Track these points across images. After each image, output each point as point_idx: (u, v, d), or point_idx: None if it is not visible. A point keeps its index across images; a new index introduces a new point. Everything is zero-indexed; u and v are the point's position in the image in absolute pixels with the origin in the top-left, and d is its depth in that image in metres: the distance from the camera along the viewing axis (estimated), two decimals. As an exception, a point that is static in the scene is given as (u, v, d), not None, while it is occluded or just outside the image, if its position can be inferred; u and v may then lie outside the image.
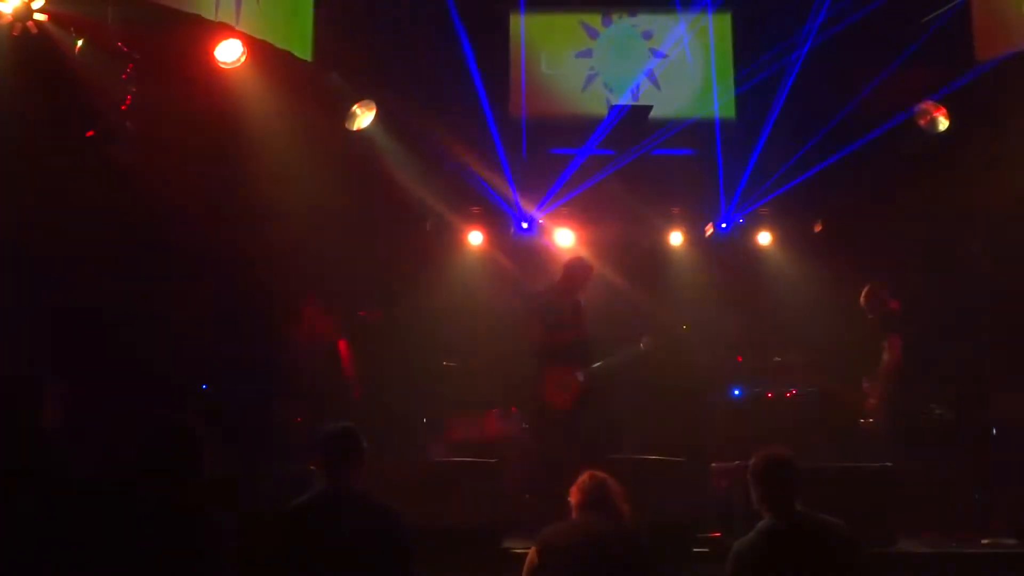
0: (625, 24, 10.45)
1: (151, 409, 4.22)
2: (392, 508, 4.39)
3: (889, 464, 6.62)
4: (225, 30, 7.48)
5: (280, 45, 8.07)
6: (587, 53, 10.36)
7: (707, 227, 10.72)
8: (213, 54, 7.46)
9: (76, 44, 6.55)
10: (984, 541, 6.56)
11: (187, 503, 3.90)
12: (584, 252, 10.49)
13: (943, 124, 8.99)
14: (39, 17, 6.24)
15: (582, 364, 7.75)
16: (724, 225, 10.58)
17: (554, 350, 7.65)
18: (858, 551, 4.36)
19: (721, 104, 10.45)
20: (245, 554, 4.60)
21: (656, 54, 10.43)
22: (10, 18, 6.16)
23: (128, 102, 6.85)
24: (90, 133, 6.82)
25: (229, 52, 7.49)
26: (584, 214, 10.62)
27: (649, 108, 10.18)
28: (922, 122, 9.05)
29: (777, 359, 9.38)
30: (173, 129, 7.46)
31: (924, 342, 8.03)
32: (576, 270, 8.11)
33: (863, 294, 8.10)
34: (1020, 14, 8.57)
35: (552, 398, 7.60)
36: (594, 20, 10.41)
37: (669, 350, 8.74)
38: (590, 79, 10.35)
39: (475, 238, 10.74)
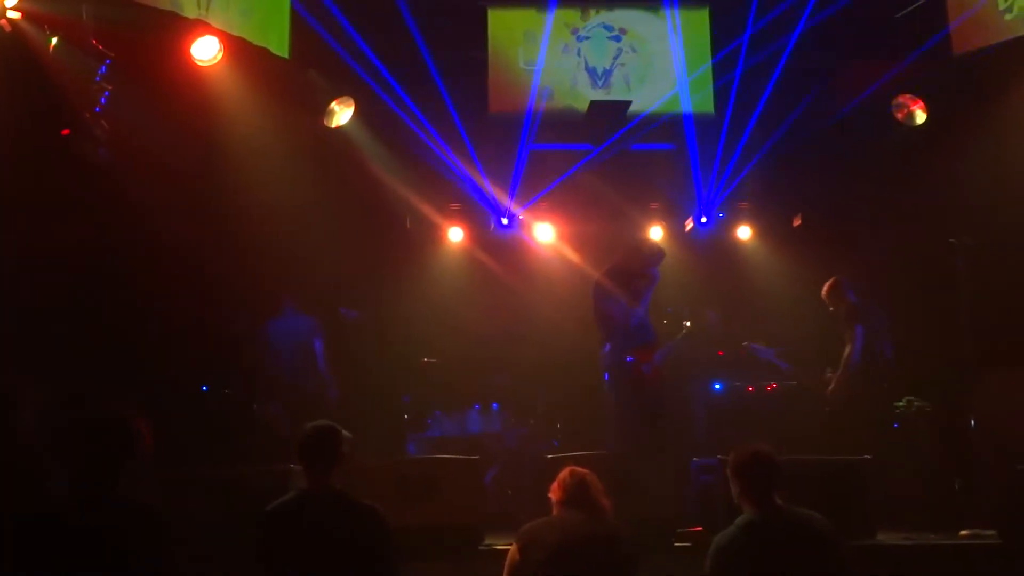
0: (603, 19, 10.44)
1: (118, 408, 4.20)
2: (373, 506, 4.38)
3: (868, 456, 6.65)
4: (201, 27, 7.44)
5: (257, 42, 8.02)
6: (565, 48, 10.35)
7: (687, 222, 10.75)
8: (190, 52, 7.42)
9: (50, 42, 6.50)
10: (963, 533, 6.61)
11: (121, 497, 3.91)
12: (564, 247, 10.52)
13: (920, 117, 9.03)
14: (13, 15, 6.20)
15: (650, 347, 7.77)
16: (704, 219, 10.60)
17: (630, 330, 7.63)
18: (837, 544, 4.38)
19: (699, 99, 10.45)
20: (227, 553, 4.61)
21: (634, 49, 10.43)
22: (-17, 17, 6.12)
23: (103, 101, 6.80)
24: (65, 132, 6.76)
25: (206, 49, 7.45)
26: (564, 209, 10.62)
27: (628, 103, 10.18)
28: (899, 115, 9.10)
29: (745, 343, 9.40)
30: (149, 127, 7.41)
31: (902, 334, 8.08)
32: (653, 254, 8.06)
33: (825, 288, 8.13)
34: (994, 7, 8.61)
35: (641, 375, 7.57)
36: (572, 15, 10.39)
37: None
38: (568, 74, 10.34)
39: (455, 234, 10.72)
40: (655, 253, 8.08)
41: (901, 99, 9.09)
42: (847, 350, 7.88)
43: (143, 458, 4.15)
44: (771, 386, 9.26)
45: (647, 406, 7.53)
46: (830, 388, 8.01)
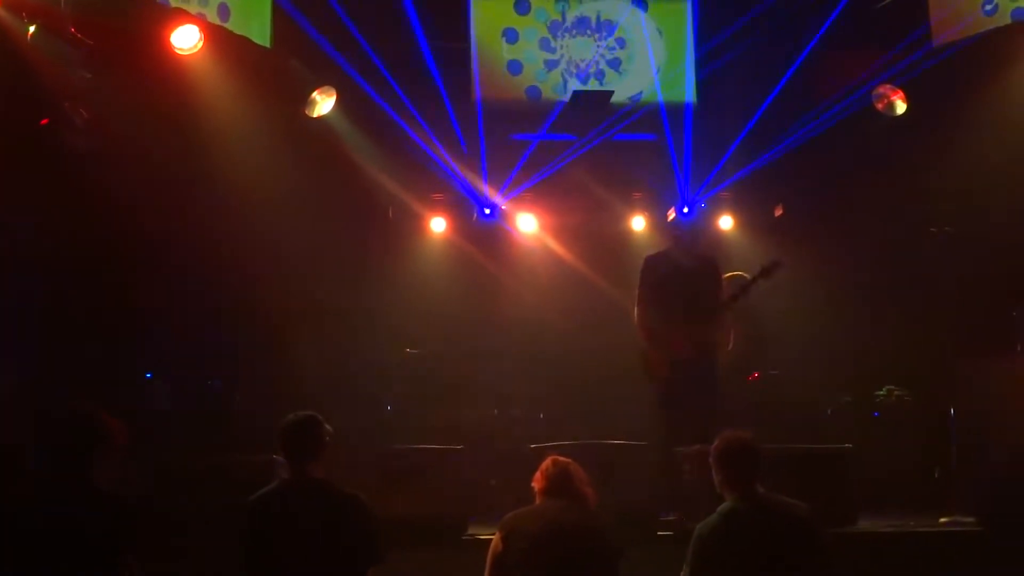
0: (585, 9, 10.43)
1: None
2: (356, 496, 4.37)
3: (849, 445, 6.69)
4: (182, 15, 7.38)
5: (238, 31, 7.97)
6: (548, 38, 10.33)
7: (669, 212, 10.76)
8: (169, 40, 7.35)
9: (28, 30, 6.43)
10: (943, 520, 6.66)
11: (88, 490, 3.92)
12: (547, 237, 10.52)
13: (901, 107, 9.06)
14: (-11, 3, 6.14)
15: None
16: (686, 209, 10.61)
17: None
18: (818, 532, 4.40)
19: (681, 88, 10.46)
20: (211, 543, 4.60)
21: (616, 39, 10.42)
22: (-41, 4, 6.05)
23: (82, 89, 6.75)
24: (44, 121, 6.71)
25: (186, 38, 7.39)
26: (546, 200, 10.62)
27: (610, 93, 10.18)
28: (880, 105, 9.12)
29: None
30: (128, 116, 7.35)
31: (883, 323, 8.12)
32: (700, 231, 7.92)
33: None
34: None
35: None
36: (555, 6, 10.38)
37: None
38: (551, 64, 10.32)
39: (437, 225, 10.71)
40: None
41: (881, 89, 9.11)
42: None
43: (114, 450, 4.16)
44: (753, 375, 9.29)
45: None
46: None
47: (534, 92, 10.27)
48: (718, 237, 10.69)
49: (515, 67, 10.25)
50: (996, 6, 8.50)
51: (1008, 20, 8.43)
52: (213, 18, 7.75)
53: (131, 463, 4.66)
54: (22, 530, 3.89)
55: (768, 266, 7.15)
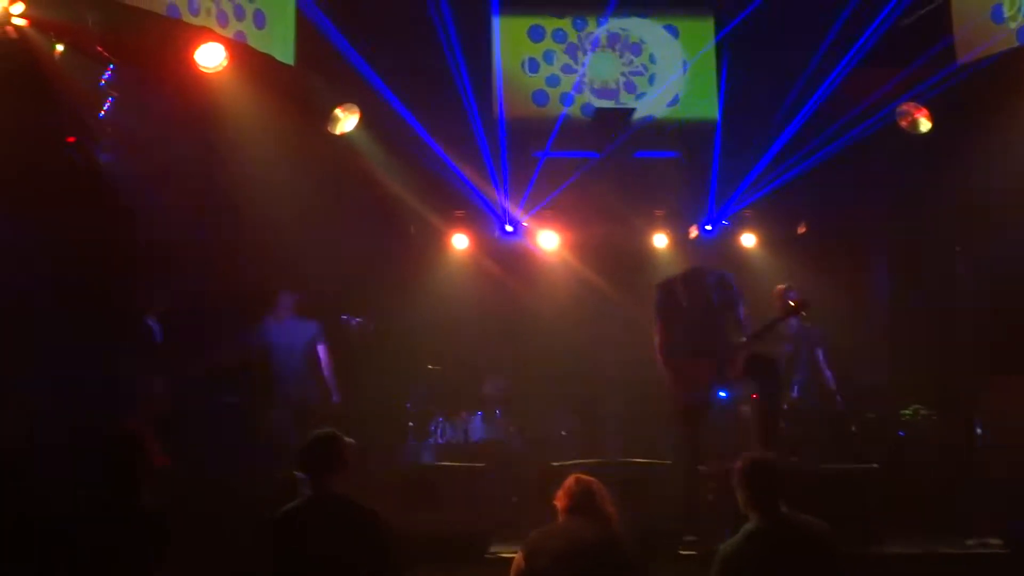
0: (609, 27, 10.45)
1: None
2: (376, 513, 4.38)
3: (874, 465, 6.64)
4: (207, 34, 7.45)
5: (262, 48, 8.03)
6: (571, 56, 10.36)
7: (691, 229, 10.74)
8: (194, 58, 7.43)
9: (56, 49, 6.51)
10: (969, 542, 6.58)
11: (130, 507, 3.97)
12: (569, 255, 10.52)
13: (925, 125, 9.02)
14: (19, 22, 6.21)
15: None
16: (708, 227, 10.59)
17: None
18: (842, 552, 4.37)
19: (704, 105, 10.46)
20: (233, 559, 4.63)
21: (639, 57, 10.43)
22: (-10, 23, 6.13)
23: (108, 107, 6.81)
24: (71, 139, 6.77)
25: (211, 56, 7.46)
26: (568, 217, 10.63)
27: (632, 111, 10.19)
28: (904, 123, 9.09)
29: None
30: (154, 133, 7.42)
31: (908, 342, 8.07)
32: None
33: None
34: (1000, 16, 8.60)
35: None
36: (577, 23, 10.40)
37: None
38: (574, 83, 10.35)
39: (459, 241, 10.73)
40: None
41: (906, 107, 9.08)
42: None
43: (152, 469, 4.22)
44: (753, 396, 9.20)
45: None
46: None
47: (556, 109, 10.28)
48: (741, 254, 10.67)
49: (538, 84, 10.28)
50: (1021, 24, 8.46)
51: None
52: (250, 28, 7.79)
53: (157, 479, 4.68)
54: (70, 547, 3.93)
55: (796, 305, 7.11)
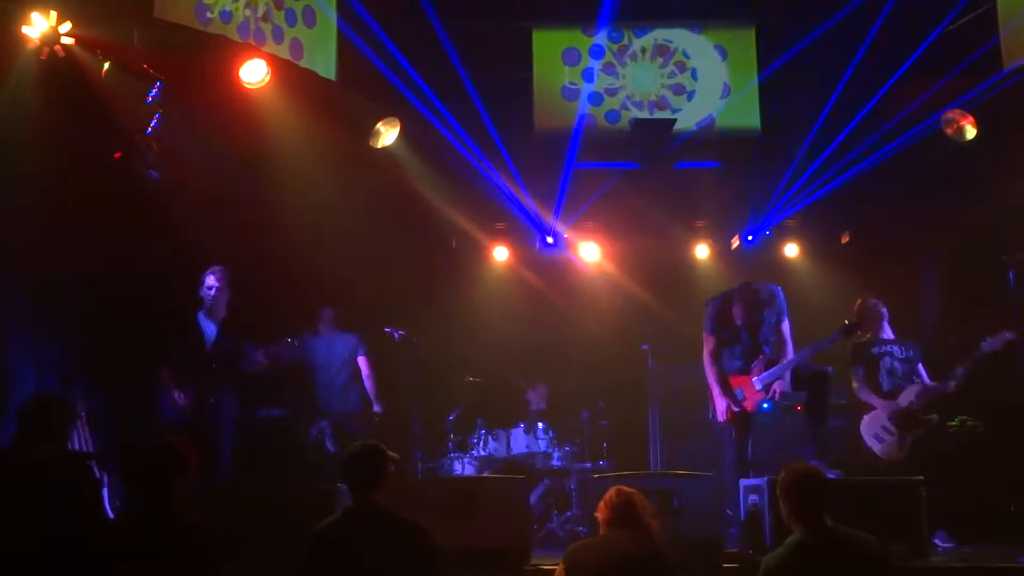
0: (649, 38, 10.43)
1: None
2: (419, 525, 4.39)
3: (921, 477, 6.54)
4: (250, 50, 7.55)
5: (305, 65, 8.12)
6: (610, 68, 10.35)
7: (733, 239, 10.68)
8: (238, 75, 7.53)
9: (103, 67, 6.63)
10: (1020, 557, 6.46)
11: None
12: (610, 266, 10.50)
13: (970, 132, 8.91)
14: (66, 41, 6.34)
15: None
16: (750, 237, 10.53)
17: None
18: (888, 565, 4.32)
19: (746, 115, 10.40)
20: (275, 571, 4.65)
21: (680, 67, 10.40)
22: (38, 42, 6.26)
23: (154, 123, 6.93)
24: (118, 155, 6.89)
25: (254, 72, 7.57)
26: (609, 228, 10.62)
27: (672, 121, 10.15)
28: (949, 131, 8.98)
29: None
30: (199, 149, 7.53)
31: (954, 352, 7.94)
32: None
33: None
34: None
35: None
36: (616, 33, 10.39)
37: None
38: (613, 93, 10.33)
39: (500, 254, 10.75)
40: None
41: (951, 114, 8.97)
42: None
43: (191, 480, 4.25)
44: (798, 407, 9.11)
45: None
46: None
47: (597, 120, 10.27)
48: (783, 264, 10.59)
49: (577, 96, 10.27)
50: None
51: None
52: (286, 55, 7.91)
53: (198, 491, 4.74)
54: (111, 560, 3.98)
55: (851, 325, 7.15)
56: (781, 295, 7.47)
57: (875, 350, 7.62)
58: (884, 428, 7.37)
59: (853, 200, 10.04)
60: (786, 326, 7.42)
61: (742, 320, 7.29)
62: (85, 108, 6.72)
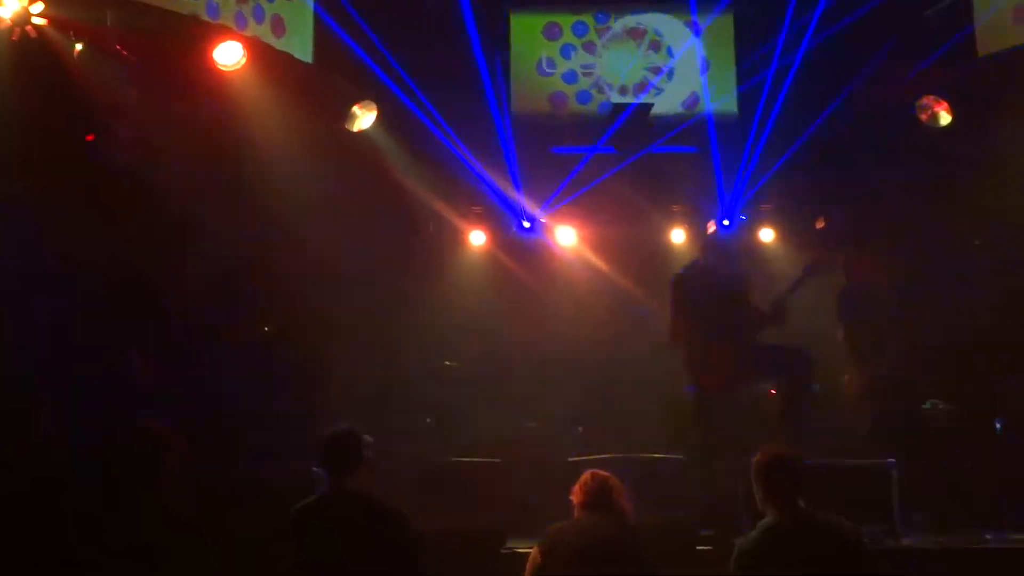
0: (627, 22, 10.44)
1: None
2: (397, 509, 4.40)
3: (892, 460, 6.60)
4: (225, 32, 7.49)
5: (281, 46, 8.07)
6: (588, 52, 10.35)
7: (709, 224, 10.71)
8: (213, 57, 7.47)
9: (75, 48, 6.56)
10: (988, 536, 6.55)
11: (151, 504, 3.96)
12: (586, 251, 10.51)
13: (945, 119, 8.97)
14: (38, 21, 6.26)
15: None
16: (726, 222, 10.56)
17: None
18: (861, 547, 4.35)
19: (722, 101, 10.43)
20: (251, 553, 4.65)
21: (657, 52, 10.42)
22: (9, 23, 6.18)
23: (128, 105, 6.86)
24: (90, 137, 6.82)
25: (229, 54, 7.50)
26: (586, 213, 10.62)
27: (649, 106, 10.17)
28: (924, 117, 9.04)
29: None
30: (173, 132, 7.46)
31: (927, 336, 8.02)
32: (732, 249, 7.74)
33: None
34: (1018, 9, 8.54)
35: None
36: (595, 19, 10.39)
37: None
38: (591, 78, 10.34)
39: (477, 238, 10.74)
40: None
41: (925, 100, 9.02)
42: None
43: (179, 469, 4.19)
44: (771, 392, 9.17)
45: None
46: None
47: (574, 105, 10.27)
48: (759, 249, 10.64)
49: (554, 80, 10.27)
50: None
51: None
52: (267, 34, 7.84)
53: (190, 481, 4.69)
54: (91, 549, 3.94)
55: (815, 262, 7.10)
56: (749, 281, 7.43)
57: None
58: None
59: (828, 186, 10.09)
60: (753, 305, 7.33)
61: (703, 294, 7.12)
62: (57, 90, 6.64)
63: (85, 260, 7.16)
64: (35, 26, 6.25)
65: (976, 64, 8.73)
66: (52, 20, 6.35)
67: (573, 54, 10.29)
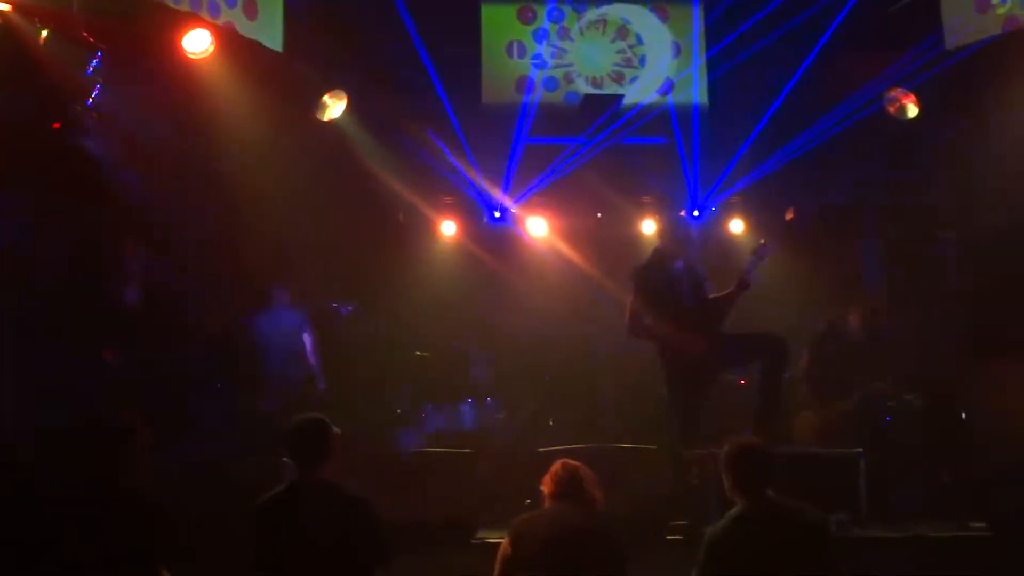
0: (596, 13, 10.43)
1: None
2: (364, 499, 4.38)
3: (859, 449, 6.67)
4: (193, 20, 7.41)
5: (250, 35, 8.00)
6: (558, 42, 10.34)
7: (661, 214, 10.72)
8: (181, 44, 7.39)
9: (41, 34, 6.47)
10: (953, 524, 6.63)
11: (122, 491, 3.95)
12: (557, 241, 10.52)
13: (912, 111, 9.04)
14: (3, 7, 6.17)
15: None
16: (696, 213, 10.60)
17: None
18: (828, 536, 4.40)
19: (692, 91, 10.46)
20: (218, 544, 4.62)
21: (627, 43, 10.42)
22: (-27, 9, 6.09)
23: (94, 93, 6.78)
24: (56, 125, 6.74)
25: (197, 42, 7.43)
26: (556, 203, 10.63)
27: (620, 97, 10.18)
28: (892, 109, 9.10)
29: None
30: (140, 120, 7.39)
31: (893, 326, 8.10)
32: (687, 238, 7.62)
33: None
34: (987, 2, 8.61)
35: None
36: (565, 9, 10.38)
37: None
38: (561, 68, 10.33)
39: (448, 228, 10.72)
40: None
41: (893, 93, 9.10)
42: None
43: (143, 453, 4.19)
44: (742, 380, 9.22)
45: None
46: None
47: (544, 95, 10.26)
48: (729, 240, 10.69)
49: (524, 70, 10.26)
50: (1009, 10, 8.46)
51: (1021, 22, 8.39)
52: (240, 18, 7.76)
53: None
54: (53, 531, 3.92)
55: (759, 248, 7.12)
56: (700, 267, 7.43)
57: None
58: None
59: (797, 177, 10.15)
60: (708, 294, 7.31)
61: (664, 286, 7.11)
62: (22, 77, 6.54)
63: (51, 246, 7.08)
64: (0, 12, 6.16)
65: (944, 56, 8.80)
66: (17, 6, 6.26)
67: (544, 42, 10.28)
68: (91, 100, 6.82)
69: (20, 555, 3.92)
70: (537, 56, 10.26)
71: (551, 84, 10.31)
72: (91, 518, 3.96)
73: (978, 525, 6.48)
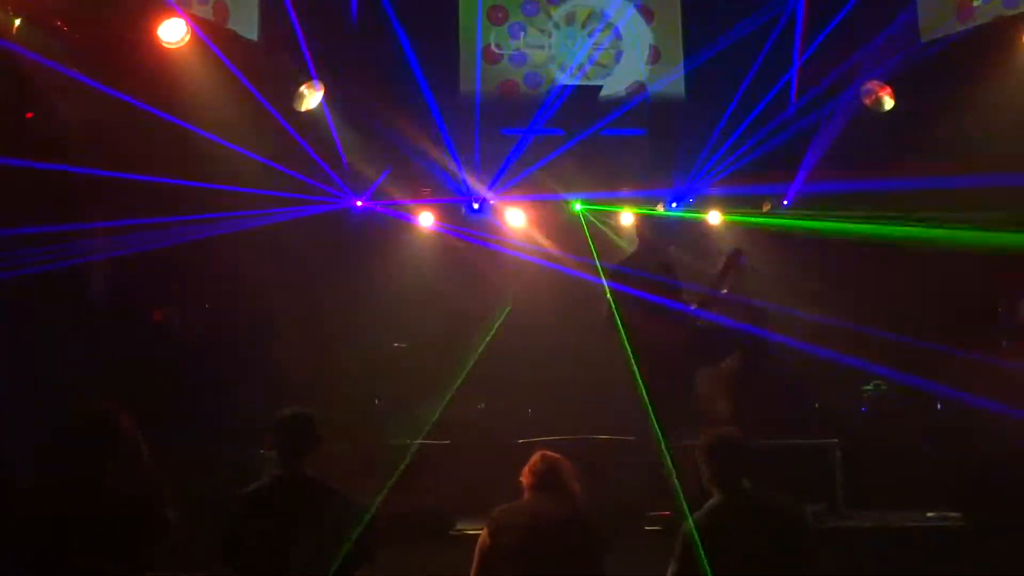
0: (574, 4, 10.42)
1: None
2: (347, 492, 4.39)
3: (835, 440, 6.72)
4: (168, 9, 7.35)
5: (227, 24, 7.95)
6: (537, 33, 10.32)
7: (657, 207, 10.74)
8: (156, 33, 7.33)
9: (14, 23, 6.40)
10: (928, 514, 6.69)
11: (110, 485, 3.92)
12: (535, 232, 10.51)
13: (888, 103, 9.08)
14: (-26, -4, 6.11)
15: None
16: (674, 204, 10.61)
17: None
18: (805, 526, 4.43)
19: (670, 83, 10.46)
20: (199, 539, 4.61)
21: (605, 34, 10.42)
22: (-56, -2, 6.02)
23: (68, 82, 6.72)
24: (29, 115, 6.68)
25: (173, 31, 7.37)
26: (535, 194, 10.61)
27: (598, 88, 10.17)
28: (868, 101, 9.14)
29: None
30: (115, 109, 7.32)
31: (872, 318, 8.14)
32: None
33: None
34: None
35: None
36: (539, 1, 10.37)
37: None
38: (539, 59, 10.31)
39: (425, 219, 10.69)
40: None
41: (869, 84, 9.13)
42: None
43: (130, 448, 4.15)
44: None
45: None
46: None
47: (523, 86, 10.25)
48: (707, 231, 10.70)
49: (503, 61, 10.24)
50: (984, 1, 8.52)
51: (997, 13, 8.44)
52: (209, 14, 7.72)
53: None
54: (40, 527, 3.90)
55: (731, 256, 7.16)
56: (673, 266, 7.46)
57: None
58: None
59: (774, 169, 10.17)
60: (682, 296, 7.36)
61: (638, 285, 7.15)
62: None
63: (26, 237, 7.02)
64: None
65: (920, 48, 8.84)
66: (-11, -6, 6.20)
67: (522, 33, 10.25)
68: (65, 89, 6.76)
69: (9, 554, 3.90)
70: (514, 47, 10.23)
71: (529, 76, 10.29)
72: (79, 513, 3.94)
73: (953, 515, 6.54)
